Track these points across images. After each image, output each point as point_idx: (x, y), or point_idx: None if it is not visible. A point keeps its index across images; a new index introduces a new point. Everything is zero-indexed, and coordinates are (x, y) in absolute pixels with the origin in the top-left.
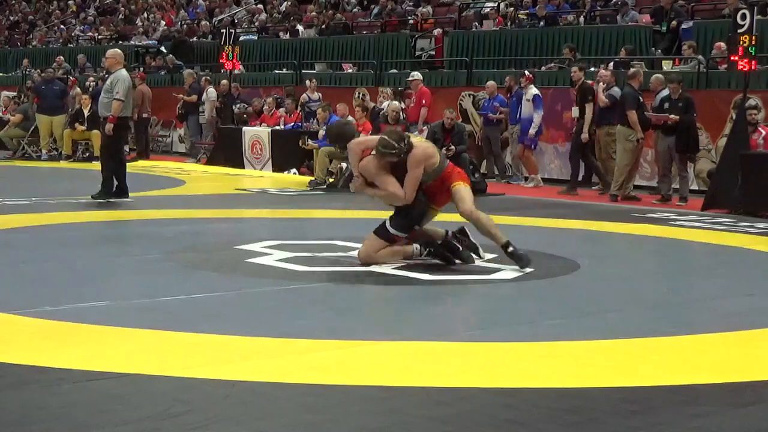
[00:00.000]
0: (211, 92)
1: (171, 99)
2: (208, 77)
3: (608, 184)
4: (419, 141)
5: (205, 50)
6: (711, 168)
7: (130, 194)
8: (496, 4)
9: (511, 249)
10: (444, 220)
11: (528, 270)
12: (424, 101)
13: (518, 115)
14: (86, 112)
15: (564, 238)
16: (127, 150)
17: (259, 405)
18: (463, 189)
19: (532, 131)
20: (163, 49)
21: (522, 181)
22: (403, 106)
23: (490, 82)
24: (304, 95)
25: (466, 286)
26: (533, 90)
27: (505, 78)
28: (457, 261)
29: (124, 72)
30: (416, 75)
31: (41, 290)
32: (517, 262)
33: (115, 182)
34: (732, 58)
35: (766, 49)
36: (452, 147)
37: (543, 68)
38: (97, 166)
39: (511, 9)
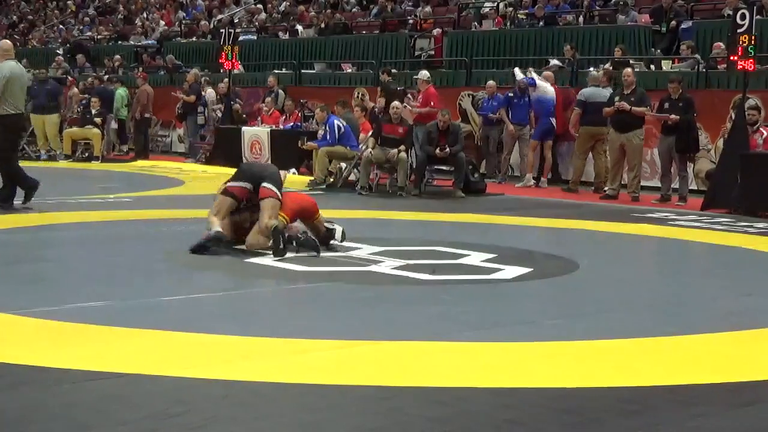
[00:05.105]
0: (210, 93)
1: (171, 99)
2: (208, 77)
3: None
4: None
5: (205, 50)
6: (710, 168)
7: (128, 194)
8: (495, 4)
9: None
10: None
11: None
12: (432, 103)
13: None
14: (93, 111)
15: (564, 238)
16: (126, 150)
17: (259, 405)
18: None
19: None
20: (59, 51)
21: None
22: (407, 105)
23: (491, 82)
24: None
25: (466, 286)
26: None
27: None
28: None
29: (5, 63)
30: (424, 75)
31: (41, 290)
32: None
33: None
34: (732, 58)
35: (766, 49)
36: (447, 148)
37: (543, 68)
38: (96, 165)
39: (511, 9)
